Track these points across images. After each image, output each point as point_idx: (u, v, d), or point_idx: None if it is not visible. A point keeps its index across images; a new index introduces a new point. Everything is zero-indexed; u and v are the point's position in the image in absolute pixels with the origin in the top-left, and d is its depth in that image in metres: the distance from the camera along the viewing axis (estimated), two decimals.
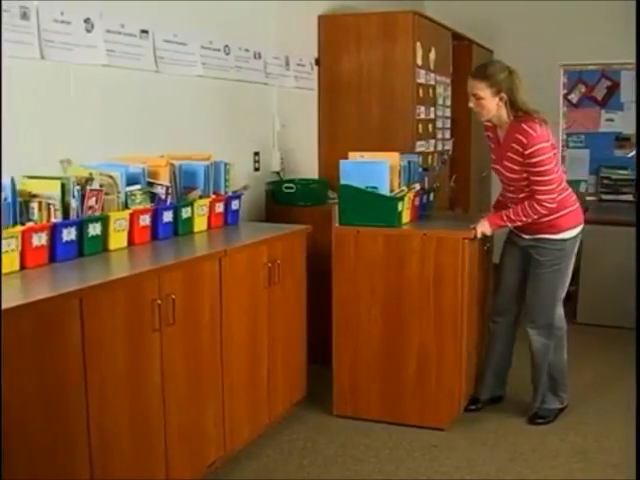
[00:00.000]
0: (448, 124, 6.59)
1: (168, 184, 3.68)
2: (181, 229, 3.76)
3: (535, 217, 3.95)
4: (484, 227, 4.05)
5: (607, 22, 6.98)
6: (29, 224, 2.94)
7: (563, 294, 4.21)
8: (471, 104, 4.02)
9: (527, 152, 3.85)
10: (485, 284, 4.50)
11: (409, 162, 4.37)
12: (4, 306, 2.39)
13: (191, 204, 3.82)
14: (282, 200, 5.00)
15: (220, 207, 4.04)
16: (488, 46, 7.63)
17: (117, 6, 3.79)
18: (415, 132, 5.68)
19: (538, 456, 3.86)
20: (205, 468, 3.46)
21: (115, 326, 2.80)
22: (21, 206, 2.95)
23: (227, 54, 4.67)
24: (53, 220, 3.05)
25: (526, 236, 4.16)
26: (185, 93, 4.35)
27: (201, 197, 3.90)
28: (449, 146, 6.67)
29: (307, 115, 5.74)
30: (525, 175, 3.94)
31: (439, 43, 6.15)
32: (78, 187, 3.15)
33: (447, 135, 6.59)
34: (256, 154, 5.04)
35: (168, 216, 3.67)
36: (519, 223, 4.02)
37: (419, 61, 5.68)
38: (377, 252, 4.14)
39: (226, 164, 4.11)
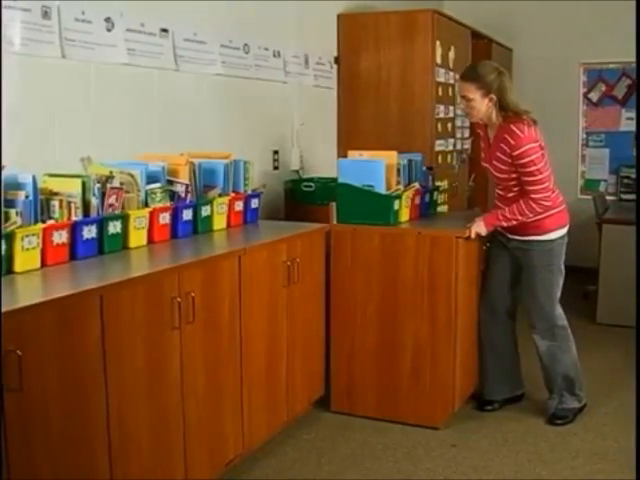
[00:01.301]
0: (467, 123, 6.55)
1: (188, 182, 3.69)
2: (200, 227, 3.77)
3: (531, 216, 3.94)
4: (479, 227, 4.04)
5: (628, 20, 6.90)
6: (50, 222, 2.96)
7: (559, 294, 4.19)
8: (461, 106, 4.04)
9: (515, 153, 3.86)
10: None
11: (410, 161, 4.40)
12: (25, 303, 2.43)
13: (211, 202, 3.82)
14: (301, 199, 5.00)
15: (239, 205, 4.04)
16: (507, 45, 7.62)
17: (137, 5, 3.81)
18: (434, 131, 5.68)
19: (557, 457, 3.85)
20: (223, 466, 3.46)
21: (135, 324, 2.81)
22: (42, 204, 2.97)
23: (246, 53, 4.68)
24: (74, 218, 3.06)
25: (512, 236, 4.15)
26: (205, 91, 4.36)
27: (221, 195, 3.90)
28: (468, 145, 6.65)
29: (326, 114, 5.74)
30: (514, 175, 3.95)
31: (458, 42, 6.13)
32: (99, 185, 3.16)
33: (466, 134, 6.57)
34: (275, 153, 5.05)
35: (188, 214, 3.68)
36: (515, 222, 4.00)
37: (438, 60, 5.67)
38: (373, 250, 4.16)
39: (245, 162, 4.11)
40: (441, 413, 4.16)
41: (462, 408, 4.36)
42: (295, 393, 3.99)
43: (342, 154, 5.81)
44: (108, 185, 3.22)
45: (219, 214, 3.89)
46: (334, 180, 5.30)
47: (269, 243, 3.76)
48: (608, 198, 7.36)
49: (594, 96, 7.73)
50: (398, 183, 4.23)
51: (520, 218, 3.96)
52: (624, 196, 7.42)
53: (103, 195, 3.19)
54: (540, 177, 3.88)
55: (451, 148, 6.11)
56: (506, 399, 4.43)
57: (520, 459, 3.82)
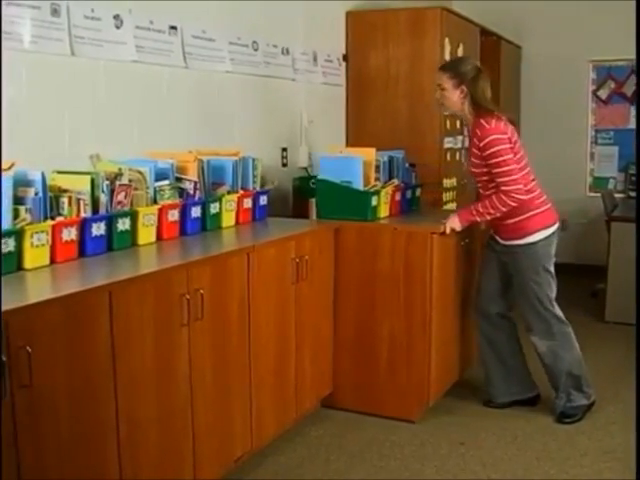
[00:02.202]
0: None
1: (196, 179, 3.69)
2: (209, 224, 3.77)
3: (504, 209, 3.92)
4: (453, 222, 4.06)
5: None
6: (59, 219, 2.96)
7: (552, 294, 4.17)
8: (437, 95, 4.09)
9: (481, 144, 3.89)
10: (468, 278, 4.51)
11: (391, 158, 4.48)
12: (35, 300, 2.43)
13: (219, 199, 3.83)
14: (309, 196, 4.99)
15: (248, 203, 4.05)
16: (516, 42, 7.60)
17: (146, 2, 3.82)
18: (443, 128, 5.67)
19: (565, 455, 3.84)
20: (232, 463, 3.47)
21: (144, 320, 2.82)
22: (51, 201, 2.98)
23: (255, 50, 4.68)
24: (83, 215, 3.07)
25: (500, 240, 4.16)
26: (213, 89, 4.37)
27: (229, 193, 3.91)
28: None
29: (335, 111, 5.74)
30: (485, 170, 3.97)
31: (467, 39, 6.11)
32: (107, 182, 3.17)
33: None
34: (284, 150, 5.05)
35: (196, 211, 3.68)
36: (488, 217, 4.02)
37: (447, 57, 5.65)
38: (351, 245, 4.19)
39: (254, 160, 4.11)
40: (417, 407, 4.20)
41: (472, 406, 4.36)
42: (304, 390, 3.99)
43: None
44: (117, 182, 3.23)
45: (228, 211, 3.89)
46: None
47: (278, 240, 3.76)
48: (617, 196, 7.34)
49: (603, 93, 7.70)
50: (377, 180, 4.32)
51: (493, 212, 3.95)
52: (633, 194, 7.38)
53: (112, 192, 3.19)
54: (507, 169, 3.86)
55: (460, 145, 6.09)
56: (517, 401, 4.39)
57: (529, 457, 3.82)
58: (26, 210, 2.82)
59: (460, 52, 5.91)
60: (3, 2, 3.05)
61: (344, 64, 5.78)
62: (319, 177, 4.30)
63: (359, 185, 4.18)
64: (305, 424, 4.11)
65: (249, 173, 4.08)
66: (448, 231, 4.05)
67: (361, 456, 3.83)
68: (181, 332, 3.02)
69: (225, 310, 3.29)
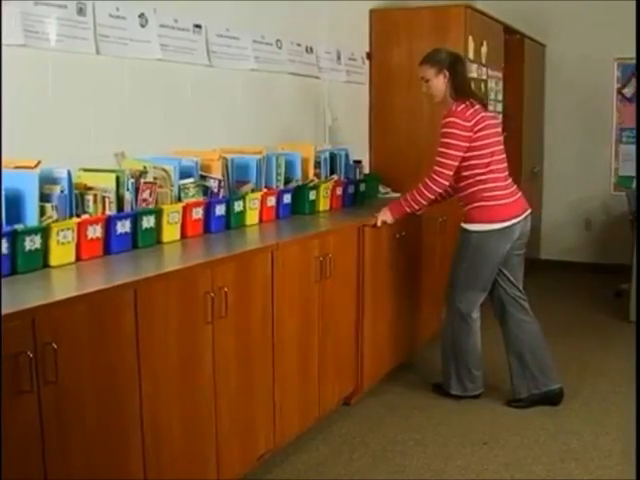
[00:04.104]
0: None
1: (221, 177, 3.70)
2: (233, 222, 3.78)
3: (429, 194, 4.05)
4: (385, 215, 4.18)
5: None
6: (85, 216, 2.98)
7: (467, 290, 4.25)
8: (424, 89, 4.23)
9: (442, 123, 4.02)
10: (404, 268, 4.72)
11: (333, 155, 4.66)
12: (61, 297, 2.45)
13: (243, 198, 3.83)
14: None
15: (272, 201, 4.05)
16: (540, 40, 7.56)
17: (171, 1, 3.83)
18: None
19: (590, 456, 3.81)
20: (255, 460, 3.48)
21: (168, 318, 2.83)
22: (77, 198, 2.99)
23: (279, 48, 4.68)
24: (108, 212, 3.08)
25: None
26: (237, 87, 4.38)
27: (253, 191, 3.91)
28: None
29: (358, 109, 5.75)
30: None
31: (491, 37, 6.10)
32: (132, 180, 3.18)
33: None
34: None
35: (220, 209, 3.69)
36: (416, 205, 4.13)
37: (471, 55, 5.65)
38: None
39: (278, 158, 4.12)
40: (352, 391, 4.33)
41: (494, 406, 4.35)
42: (326, 388, 3.99)
43: (374, 149, 5.85)
44: (142, 180, 3.25)
45: (251, 209, 3.90)
46: (367, 176, 5.33)
47: (301, 238, 3.76)
48: None
49: (628, 92, 7.64)
50: (317, 175, 4.43)
51: (418, 198, 4.07)
52: None
53: (137, 190, 3.21)
54: (446, 151, 3.97)
55: None
56: (536, 394, 4.34)
57: (552, 458, 3.79)
58: (52, 207, 2.84)
59: (484, 50, 5.89)
60: (31, 2, 3.07)
61: (368, 62, 5.79)
62: None
63: (297, 180, 4.32)
64: (328, 422, 4.11)
65: (273, 171, 4.09)
66: (379, 224, 4.18)
67: (384, 455, 3.83)
68: (205, 330, 3.03)
69: (249, 308, 3.30)
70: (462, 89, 4.09)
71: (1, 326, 2.14)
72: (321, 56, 5.15)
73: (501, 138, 4.19)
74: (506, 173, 4.16)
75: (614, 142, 7.73)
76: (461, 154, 3.99)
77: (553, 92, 7.88)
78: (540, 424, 4.17)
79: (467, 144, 3.98)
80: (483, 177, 4.05)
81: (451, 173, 4.01)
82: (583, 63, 7.64)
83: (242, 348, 3.27)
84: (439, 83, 4.10)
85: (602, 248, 7.72)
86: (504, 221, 4.09)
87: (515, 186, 4.22)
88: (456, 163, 4.00)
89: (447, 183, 4.05)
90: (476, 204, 4.09)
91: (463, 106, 4.00)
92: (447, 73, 4.08)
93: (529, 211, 4.24)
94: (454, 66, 4.10)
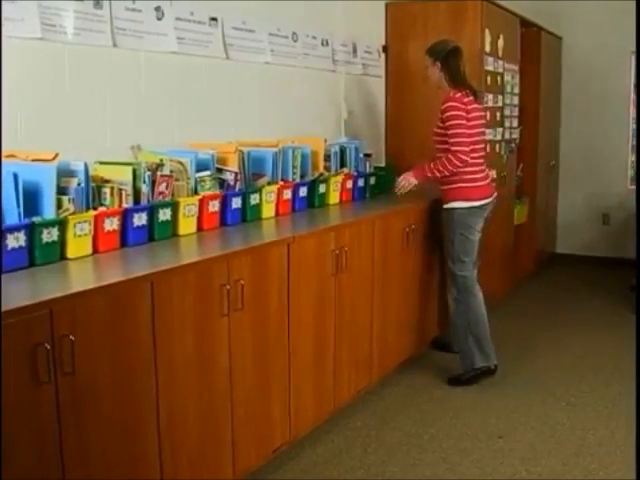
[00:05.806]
0: (516, 112, 6.50)
1: (237, 170, 3.70)
2: (249, 215, 3.79)
3: (451, 168, 4.38)
4: (408, 177, 4.56)
5: None
6: (101, 209, 2.99)
7: (465, 257, 4.56)
8: (425, 73, 4.65)
9: (442, 108, 4.41)
10: (415, 261, 4.76)
11: (343, 148, 4.71)
12: (78, 289, 2.46)
13: (259, 190, 3.84)
14: None
15: (288, 194, 4.05)
16: (557, 33, 7.52)
17: None
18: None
19: (605, 450, 3.80)
20: (270, 452, 3.49)
21: (184, 310, 2.84)
22: (94, 191, 3.00)
23: (295, 41, 4.68)
24: (124, 205, 3.09)
25: None
26: (253, 80, 4.37)
27: (269, 184, 3.92)
28: (517, 135, 6.58)
29: (374, 102, 5.73)
30: (442, 132, 4.42)
31: (507, 30, 6.07)
32: (149, 173, 3.19)
33: (515, 123, 6.50)
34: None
35: (237, 202, 3.69)
36: (438, 174, 4.45)
37: (487, 48, 5.62)
38: None
39: (294, 151, 4.12)
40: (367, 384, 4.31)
41: (510, 400, 4.34)
42: (342, 381, 3.99)
43: (390, 142, 5.84)
44: (158, 173, 3.25)
45: (268, 202, 3.90)
46: (382, 169, 5.31)
47: (318, 232, 3.76)
48: None
49: None
50: (326, 168, 4.48)
51: (442, 169, 4.40)
52: None
53: (153, 183, 3.22)
54: (457, 131, 4.35)
55: (499, 137, 6.05)
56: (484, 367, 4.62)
57: (568, 452, 3.78)
58: (69, 200, 2.85)
59: (500, 43, 5.87)
60: None
61: (383, 55, 5.77)
62: None
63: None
64: (343, 415, 4.11)
65: (289, 164, 4.08)
66: (406, 185, 4.55)
67: (399, 448, 3.83)
68: (221, 322, 3.03)
69: (265, 301, 3.31)
70: (456, 79, 4.48)
71: (1, 326, 2.14)
72: (337, 49, 5.14)
73: (484, 129, 4.76)
74: (483, 159, 4.61)
75: (630, 136, 7.69)
76: (467, 130, 4.37)
77: (570, 85, 7.84)
78: (556, 419, 4.16)
79: (466, 121, 4.38)
80: (470, 159, 4.42)
81: (467, 149, 4.36)
82: (600, 56, 7.60)
83: (258, 341, 3.27)
84: (435, 72, 4.53)
85: (619, 242, 7.68)
86: (481, 199, 4.54)
87: (487, 171, 4.68)
88: (468, 139, 4.37)
89: (467, 158, 4.36)
90: (455, 185, 4.48)
91: (460, 94, 4.41)
92: (439, 64, 4.49)
93: (495, 194, 4.70)
94: (447, 59, 4.49)
